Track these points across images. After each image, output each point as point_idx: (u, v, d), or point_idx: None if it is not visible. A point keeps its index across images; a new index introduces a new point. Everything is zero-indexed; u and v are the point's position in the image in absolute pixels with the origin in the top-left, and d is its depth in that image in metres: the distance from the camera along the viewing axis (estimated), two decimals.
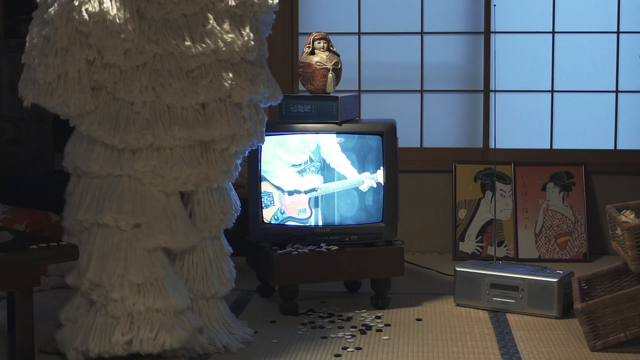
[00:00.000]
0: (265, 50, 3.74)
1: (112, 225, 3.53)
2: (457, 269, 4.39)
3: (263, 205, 4.35)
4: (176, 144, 3.56)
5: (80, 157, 3.58)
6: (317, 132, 4.34)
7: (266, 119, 3.85)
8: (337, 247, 4.29)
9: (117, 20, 3.38)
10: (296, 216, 4.36)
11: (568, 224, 5.42)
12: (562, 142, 5.64)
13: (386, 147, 4.33)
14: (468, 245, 5.45)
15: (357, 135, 4.36)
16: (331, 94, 4.40)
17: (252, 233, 4.39)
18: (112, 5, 3.38)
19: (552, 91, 5.63)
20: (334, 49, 4.46)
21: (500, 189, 5.49)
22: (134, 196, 3.56)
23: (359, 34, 5.67)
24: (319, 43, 4.43)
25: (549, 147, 5.64)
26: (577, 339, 3.90)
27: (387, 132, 4.34)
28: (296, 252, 4.23)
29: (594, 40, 5.59)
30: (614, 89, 5.59)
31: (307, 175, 4.36)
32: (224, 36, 3.53)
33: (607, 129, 5.61)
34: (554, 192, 5.47)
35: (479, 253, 5.43)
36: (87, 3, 3.38)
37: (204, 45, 3.50)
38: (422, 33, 5.64)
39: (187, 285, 3.72)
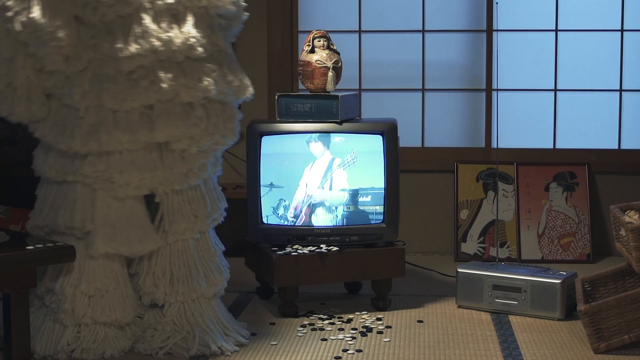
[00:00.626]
0: (225, 45, 3.69)
1: (68, 233, 3.63)
2: (459, 270, 4.39)
3: (263, 205, 4.35)
4: (124, 148, 3.55)
5: (40, 163, 3.68)
6: (317, 131, 4.34)
7: (240, 115, 3.79)
8: (337, 248, 4.29)
9: (48, 29, 3.42)
10: (296, 216, 4.36)
11: (571, 224, 5.42)
12: (565, 142, 5.64)
13: (387, 146, 4.33)
14: (470, 246, 5.46)
15: (357, 135, 4.36)
16: (331, 93, 4.40)
17: (251, 234, 4.39)
18: (42, 13, 3.42)
19: (555, 90, 5.63)
20: (334, 47, 4.46)
21: (503, 189, 5.49)
22: (86, 204, 3.59)
23: (360, 32, 5.67)
24: (319, 41, 4.43)
25: (552, 146, 5.64)
26: (581, 341, 3.90)
27: (388, 131, 4.34)
28: (296, 253, 4.23)
29: (598, 38, 5.60)
30: (618, 88, 5.59)
31: (307, 175, 4.36)
32: (161, 35, 3.48)
33: (611, 128, 5.61)
34: (557, 192, 5.47)
35: (481, 254, 5.43)
36: (20, 14, 3.43)
37: (137, 46, 3.46)
38: (423, 31, 5.64)
39: (172, 287, 3.72)
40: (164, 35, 3.49)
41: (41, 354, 3.63)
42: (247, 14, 3.81)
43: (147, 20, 3.49)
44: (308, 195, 4.36)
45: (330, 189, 4.36)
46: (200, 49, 3.54)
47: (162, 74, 3.50)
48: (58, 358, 3.63)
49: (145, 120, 3.56)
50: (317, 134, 4.34)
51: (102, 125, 3.53)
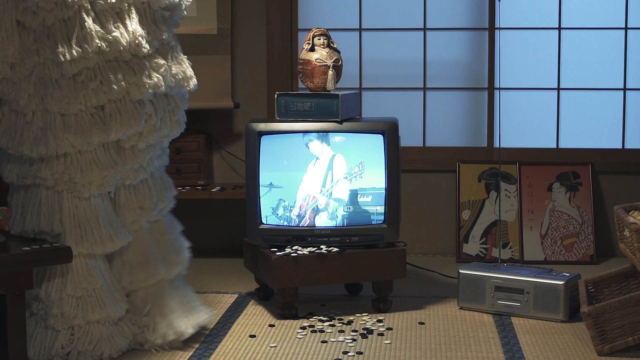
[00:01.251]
0: (169, 37, 3.73)
1: (39, 238, 3.64)
2: (461, 271, 4.39)
3: (262, 205, 4.35)
4: (79, 150, 3.58)
5: (4, 169, 3.71)
6: (317, 131, 4.34)
7: (185, 106, 3.84)
8: (337, 249, 4.29)
9: None
10: (300, 217, 4.37)
11: (575, 225, 5.42)
12: (569, 141, 5.64)
13: (388, 146, 4.33)
14: (472, 247, 5.46)
15: (358, 134, 4.36)
16: (331, 92, 4.40)
17: (250, 234, 4.39)
18: None
19: (559, 89, 5.63)
20: (335, 46, 4.46)
21: (505, 189, 5.49)
22: (52, 207, 3.63)
23: (360, 30, 5.67)
24: (319, 39, 4.43)
25: (555, 146, 5.64)
26: (584, 343, 3.90)
27: (389, 130, 4.34)
28: (295, 254, 4.23)
29: (601, 36, 5.60)
30: (622, 87, 5.59)
31: (307, 175, 4.36)
32: (106, 36, 3.51)
33: (615, 128, 5.61)
34: (560, 193, 5.47)
35: (483, 255, 5.43)
36: None
37: (79, 50, 3.48)
38: (424, 29, 5.64)
39: (132, 276, 3.78)
40: (109, 36, 3.52)
41: None
42: (189, 1, 3.82)
43: (89, 22, 3.50)
44: (312, 197, 4.36)
45: (331, 196, 4.35)
46: (147, 46, 3.59)
47: (111, 75, 3.54)
48: None
49: (97, 121, 3.60)
50: (315, 137, 4.34)
51: (49, 129, 3.55)
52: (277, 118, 4.41)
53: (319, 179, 4.36)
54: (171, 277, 3.89)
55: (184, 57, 3.85)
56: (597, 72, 5.61)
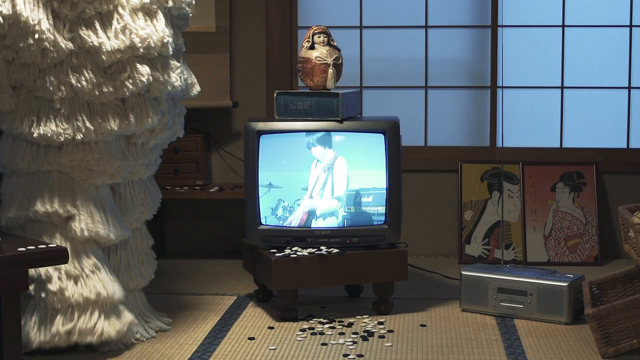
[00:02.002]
0: (182, 44, 3.99)
1: (45, 220, 3.76)
2: (463, 272, 4.39)
3: (261, 206, 4.35)
4: (99, 138, 3.76)
5: (7, 156, 3.80)
6: (317, 130, 4.34)
7: (184, 111, 4.09)
8: (337, 250, 4.29)
9: (31, 21, 3.55)
10: (295, 217, 4.36)
11: (579, 225, 5.42)
12: (573, 141, 5.64)
13: (389, 145, 4.33)
14: (474, 248, 5.46)
15: (359, 133, 4.36)
16: (332, 91, 4.40)
17: (250, 235, 4.39)
18: (25, 6, 3.54)
19: (562, 87, 5.63)
20: (335, 44, 4.46)
21: (508, 190, 5.49)
22: (65, 190, 3.78)
23: (361, 27, 5.67)
24: (319, 37, 4.43)
25: (558, 145, 5.64)
26: (588, 345, 3.90)
27: (390, 130, 4.34)
28: (295, 255, 4.23)
29: (606, 34, 5.60)
30: (627, 85, 5.59)
31: (307, 175, 4.36)
32: (139, 32, 3.71)
33: (619, 127, 5.61)
34: (563, 193, 5.47)
35: (485, 256, 5.44)
36: (0, 5, 3.53)
37: (119, 42, 3.69)
38: (426, 27, 5.65)
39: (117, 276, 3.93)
40: (142, 33, 3.72)
41: (36, 342, 3.68)
42: (191, 14, 4.09)
43: (127, 17, 3.72)
44: (308, 195, 4.36)
45: (332, 194, 4.35)
46: (171, 47, 3.83)
47: (140, 69, 3.73)
48: (55, 343, 3.68)
49: (120, 113, 3.78)
50: (316, 138, 4.33)
51: (77, 115, 3.72)
52: (277, 117, 4.41)
53: (320, 181, 4.36)
54: (140, 287, 4.06)
55: (188, 66, 4.11)
56: (601, 70, 5.61)
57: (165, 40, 3.76)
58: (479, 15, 5.61)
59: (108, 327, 3.76)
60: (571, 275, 4.27)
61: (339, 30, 5.55)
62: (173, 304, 4.54)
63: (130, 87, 3.72)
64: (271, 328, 4.16)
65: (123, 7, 3.72)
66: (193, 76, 4.10)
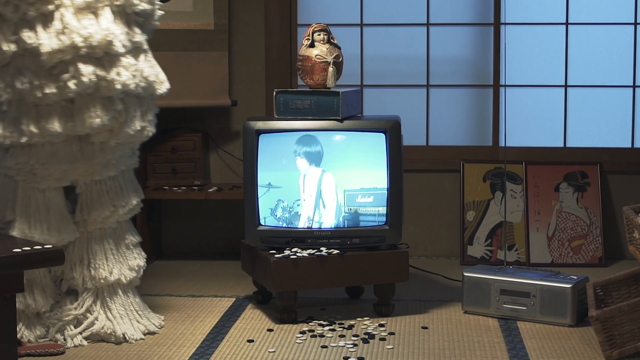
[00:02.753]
0: (141, 41, 3.97)
1: None
2: (465, 274, 4.39)
3: (260, 206, 4.35)
4: (46, 141, 3.81)
5: None
6: (317, 129, 4.34)
7: (157, 109, 4.10)
8: (338, 251, 4.29)
9: None
10: (295, 218, 4.36)
11: (582, 226, 5.42)
12: (576, 140, 5.64)
13: (390, 145, 4.33)
14: (477, 249, 5.46)
15: (359, 133, 4.36)
16: (332, 89, 4.40)
17: (248, 236, 4.39)
18: None
19: (566, 86, 5.63)
20: (335, 41, 4.46)
21: (511, 190, 5.49)
22: (7, 194, 3.90)
23: (361, 25, 5.67)
24: (319, 35, 4.43)
25: (562, 145, 5.64)
26: (592, 348, 3.90)
27: (391, 129, 4.34)
28: (295, 256, 4.23)
29: (610, 32, 5.60)
30: (632, 84, 5.59)
31: (306, 174, 4.36)
32: (81, 31, 3.75)
33: (624, 126, 5.61)
34: (567, 193, 5.47)
35: (488, 257, 5.44)
36: None
37: (59, 42, 3.73)
38: (428, 24, 5.64)
39: (90, 272, 3.99)
40: (84, 32, 3.75)
41: None
42: (161, 12, 4.11)
43: (68, 16, 3.76)
44: (308, 196, 4.36)
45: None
46: (118, 45, 3.82)
47: (82, 68, 3.76)
48: None
49: (66, 114, 3.83)
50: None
51: (23, 118, 3.79)
52: (276, 116, 4.41)
53: (318, 178, 4.36)
54: (126, 283, 4.08)
55: (156, 63, 4.09)
56: (605, 68, 5.61)
57: (109, 39, 3.77)
58: (482, 13, 5.61)
59: (28, 333, 3.93)
60: (575, 277, 4.27)
61: (340, 27, 5.54)
62: (171, 305, 4.54)
63: (74, 87, 3.75)
64: (270, 330, 4.16)
65: (66, 7, 3.76)
66: (162, 74, 4.08)
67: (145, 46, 4.03)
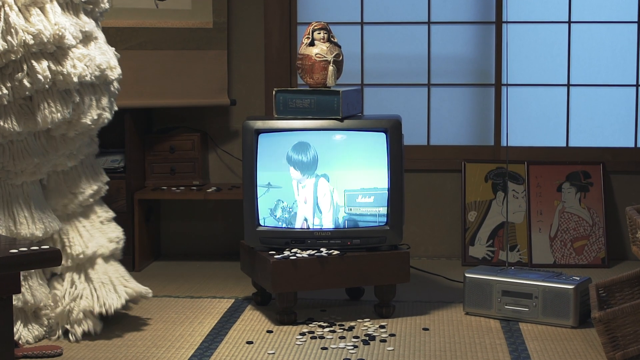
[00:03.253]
0: (92, 28, 4.00)
1: None
2: (467, 275, 4.39)
3: (260, 207, 4.35)
4: (6, 140, 3.84)
5: None
6: (317, 129, 4.34)
7: (114, 94, 4.13)
8: (338, 252, 4.29)
9: None
10: (294, 218, 4.36)
11: (585, 227, 5.42)
12: (579, 140, 5.64)
13: (391, 144, 4.33)
14: (478, 250, 5.46)
15: (359, 132, 4.36)
16: (332, 88, 4.40)
17: (248, 237, 4.39)
18: None
19: (568, 85, 5.63)
20: (335, 40, 4.46)
21: (513, 190, 5.49)
22: None
23: (362, 23, 5.67)
24: (319, 33, 4.43)
25: (564, 144, 5.64)
26: (595, 350, 3.90)
27: (391, 128, 4.34)
28: (294, 257, 4.23)
29: (613, 30, 5.60)
30: (635, 83, 5.59)
31: (300, 182, 4.36)
32: (29, 29, 3.75)
33: (627, 126, 5.61)
34: (570, 193, 5.47)
35: (489, 258, 5.44)
36: None
37: (4, 43, 3.72)
38: (429, 23, 5.65)
39: (67, 250, 4.08)
40: (32, 29, 3.75)
41: None
42: None
43: (13, 16, 3.74)
44: (308, 196, 4.36)
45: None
46: (69, 37, 3.84)
47: (36, 66, 3.78)
48: None
49: (26, 112, 3.85)
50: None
51: None
52: (276, 115, 4.41)
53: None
54: (106, 256, 4.18)
55: (108, 48, 4.12)
56: (608, 67, 5.61)
57: (60, 33, 3.79)
58: (483, 11, 5.61)
59: (27, 333, 3.94)
60: (578, 278, 4.27)
61: (340, 26, 5.54)
62: (169, 306, 4.54)
63: (29, 85, 3.77)
64: (270, 332, 4.16)
65: (10, 6, 3.74)
66: (113, 60, 4.10)
67: (96, 34, 4.06)
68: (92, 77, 3.95)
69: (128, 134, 5.25)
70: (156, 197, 5.37)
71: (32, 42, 3.74)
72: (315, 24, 4.45)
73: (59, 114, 3.86)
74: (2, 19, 3.73)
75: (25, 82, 3.77)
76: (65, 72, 3.84)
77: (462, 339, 4.05)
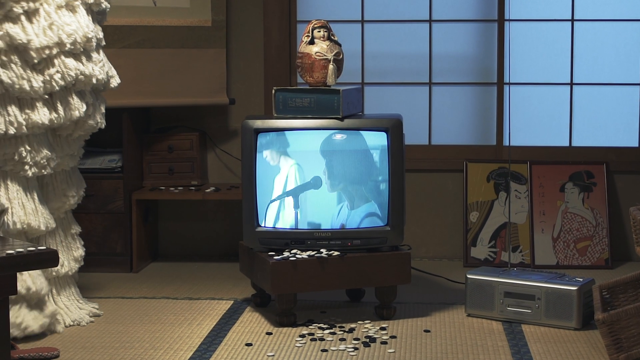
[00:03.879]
0: (102, 37, 4.27)
1: None
2: (469, 276, 4.39)
3: (259, 207, 4.35)
4: (29, 132, 4.00)
5: None
6: (317, 128, 4.34)
7: (105, 102, 4.38)
8: (338, 253, 4.30)
9: None
10: (294, 219, 4.36)
11: (588, 227, 5.43)
12: (582, 139, 5.64)
13: (392, 144, 4.33)
14: (480, 251, 5.46)
15: (360, 132, 4.36)
16: (332, 87, 4.40)
17: (247, 237, 4.39)
18: None
19: (571, 84, 5.63)
20: (335, 38, 4.46)
21: (515, 190, 5.49)
22: None
23: (362, 21, 5.67)
24: (319, 32, 4.43)
25: (567, 144, 5.64)
26: (599, 352, 3.90)
27: (392, 128, 4.34)
28: (294, 258, 4.23)
29: (617, 28, 5.60)
30: (639, 82, 5.59)
31: (306, 175, 4.36)
32: (66, 28, 4.02)
33: (631, 125, 5.62)
34: (573, 193, 5.47)
35: (492, 259, 5.44)
36: None
37: (47, 38, 3.96)
38: (430, 21, 5.65)
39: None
40: (68, 29, 4.02)
41: None
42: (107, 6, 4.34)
43: (53, 13, 4.00)
44: (308, 196, 4.37)
45: (331, 189, 4.36)
46: (94, 41, 4.15)
47: (68, 63, 4.03)
48: None
49: (49, 107, 4.04)
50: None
51: (7, 111, 3.94)
52: (275, 115, 4.41)
53: (317, 179, 4.37)
54: (71, 274, 4.34)
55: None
56: (612, 66, 5.61)
57: (89, 36, 4.08)
58: (485, 9, 5.61)
59: (32, 322, 4.03)
60: (581, 279, 4.27)
61: (340, 24, 5.55)
62: (167, 308, 4.55)
63: (60, 81, 4.00)
64: (269, 334, 4.16)
65: (48, 4, 3.99)
66: (112, 68, 4.38)
67: (103, 42, 4.31)
68: (102, 82, 4.22)
69: (126, 133, 5.25)
70: (154, 198, 5.37)
71: (66, 40, 3.99)
72: (315, 22, 4.46)
73: (77, 112, 4.10)
74: (42, 16, 3.96)
75: (57, 77, 3.99)
76: (87, 73, 4.10)
77: (464, 341, 4.05)
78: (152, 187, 5.44)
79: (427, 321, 4.34)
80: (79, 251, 4.37)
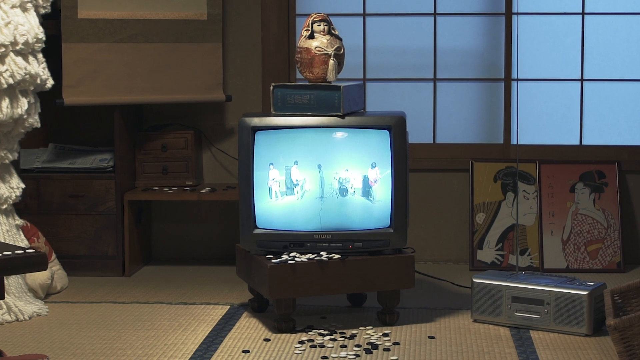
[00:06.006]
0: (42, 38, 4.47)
1: None
2: (475, 280, 4.39)
3: (256, 209, 4.36)
4: None
5: None
6: (316, 126, 4.35)
7: (39, 101, 4.55)
8: (339, 256, 4.30)
9: None
10: (293, 220, 4.37)
11: (600, 229, 5.43)
12: (593, 138, 5.65)
13: (395, 142, 4.33)
14: (487, 254, 5.46)
15: (362, 130, 4.37)
16: (333, 83, 4.40)
17: (244, 240, 4.39)
18: None
19: (582, 80, 5.64)
20: (336, 32, 4.47)
21: (524, 190, 5.49)
22: None
23: (364, 15, 5.68)
24: (319, 26, 4.44)
25: (578, 142, 5.65)
26: (610, 359, 3.90)
27: (395, 126, 4.34)
28: (293, 262, 4.24)
29: (629, 22, 5.60)
30: None
31: (305, 176, 4.37)
32: (19, 28, 4.24)
33: None
34: (583, 194, 5.47)
35: (499, 262, 5.44)
36: None
37: (3, 37, 4.17)
38: (435, 14, 5.65)
39: None
40: (22, 28, 4.24)
41: None
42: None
43: (10, 12, 4.21)
44: (307, 196, 4.37)
45: (332, 189, 4.36)
46: (41, 42, 4.37)
47: (19, 62, 4.23)
48: None
49: None
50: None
51: None
52: (273, 112, 4.41)
53: (317, 179, 4.37)
54: None
55: None
56: (624, 61, 5.61)
57: (40, 36, 4.33)
58: (492, 2, 5.62)
59: (28, 308, 4.29)
60: (592, 283, 4.27)
61: (341, 18, 5.55)
62: (161, 313, 4.55)
63: (9, 79, 4.22)
64: (267, 340, 4.16)
65: (5, 3, 4.22)
66: (47, 70, 4.54)
67: (43, 45, 4.47)
68: (44, 83, 4.45)
69: (118, 131, 5.25)
70: (147, 198, 5.38)
71: (20, 40, 4.21)
72: (315, 16, 4.46)
73: (19, 110, 4.33)
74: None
75: (6, 76, 4.20)
76: (33, 73, 4.32)
77: (470, 348, 4.05)
78: (145, 188, 5.44)
79: (431, 327, 4.35)
80: (23, 243, 4.51)
